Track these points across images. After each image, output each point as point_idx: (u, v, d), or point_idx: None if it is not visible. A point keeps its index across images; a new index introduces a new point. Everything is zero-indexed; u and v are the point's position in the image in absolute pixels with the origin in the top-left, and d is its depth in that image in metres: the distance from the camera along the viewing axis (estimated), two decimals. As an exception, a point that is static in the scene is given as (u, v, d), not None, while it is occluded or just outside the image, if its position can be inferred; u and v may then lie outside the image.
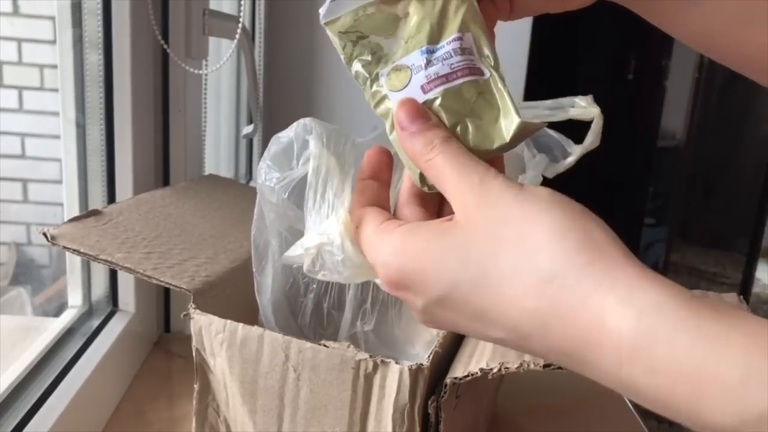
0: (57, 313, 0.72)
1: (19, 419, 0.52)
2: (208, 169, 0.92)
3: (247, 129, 1.18)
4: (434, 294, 0.30)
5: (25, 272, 1.25)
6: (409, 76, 0.34)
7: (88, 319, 0.70)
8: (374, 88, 0.35)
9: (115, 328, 0.69)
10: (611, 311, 0.26)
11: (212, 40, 0.85)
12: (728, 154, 2.54)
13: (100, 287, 0.72)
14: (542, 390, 0.70)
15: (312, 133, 0.45)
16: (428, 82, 0.34)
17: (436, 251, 0.30)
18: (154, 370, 0.73)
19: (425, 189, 0.34)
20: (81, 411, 0.57)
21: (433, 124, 0.33)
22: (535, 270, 0.28)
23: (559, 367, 0.37)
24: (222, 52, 0.99)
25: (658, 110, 2.36)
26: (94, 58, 0.69)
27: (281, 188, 0.47)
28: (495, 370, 0.38)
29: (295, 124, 0.46)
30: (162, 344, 0.79)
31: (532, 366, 0.38)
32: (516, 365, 0.38)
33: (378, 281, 0.38)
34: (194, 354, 0.47)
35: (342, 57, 0.36)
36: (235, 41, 0.81)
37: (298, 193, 0.47)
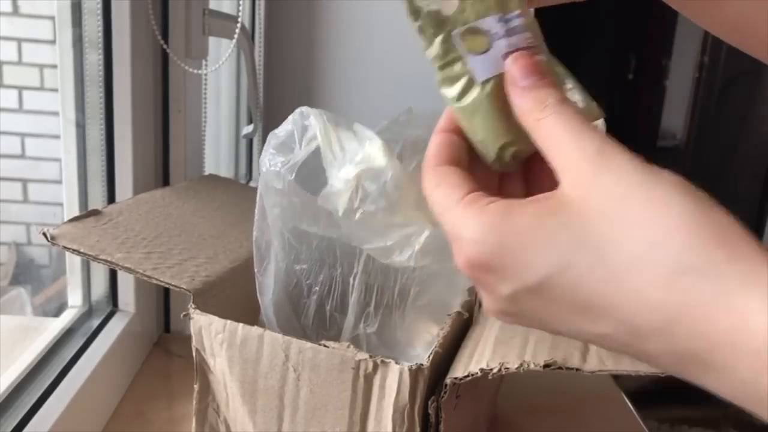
0: (57, 313, 0.72)
1: (19, 419, 0.52)
2: (208, 169, 0.92)
3: (247, 129, 1.18)
4: (532, 279, 0.27)
5: (25, 272, 1.25)
6: (489, 41, 0.32)
7: (88, 319, 0.70)
8: (444, 46, 0.33)
9: (115, 328, 0.69)
10: (755, 313, 0.23)
11: (212, 40, 0.85)
12: (728, 154, 2.54)
13: (100, 287, 0.72)
14: (542, 390, 0.70)
15: (310, 117, 0.44)
16: (510, 52, 0.32)
17: (546, 229, 0.27)
18: (154, 370, 0.73)
19: (496, 166, 0.32)
20: (81, 411, 0.57)
21: (549, 83, 0.30)
22: (666, 260, 0.24)
23: (559, 367, 0.37)
24: (222, 52, 0.99)
25: (658, 110, 2.36)
26: (94, 58, 0.69)
27: (287, 170, 0.46)
28: (495, 371, 0.38)
29: (290, 116, 0.46)
30: (162, 344, 0.79)
31: (532, 366, 0.38)
32: (516, 365, 0.38)
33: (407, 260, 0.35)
34: (194, 354, 0.47)
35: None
36: (234, 41, 0.81)
37: (303, 178, 0.46)
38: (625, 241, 0.25)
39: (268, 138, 0.47)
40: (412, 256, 0.39)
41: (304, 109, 0.45)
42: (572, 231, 0.26)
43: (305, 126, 0.45)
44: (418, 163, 0.53)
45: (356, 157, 0.39)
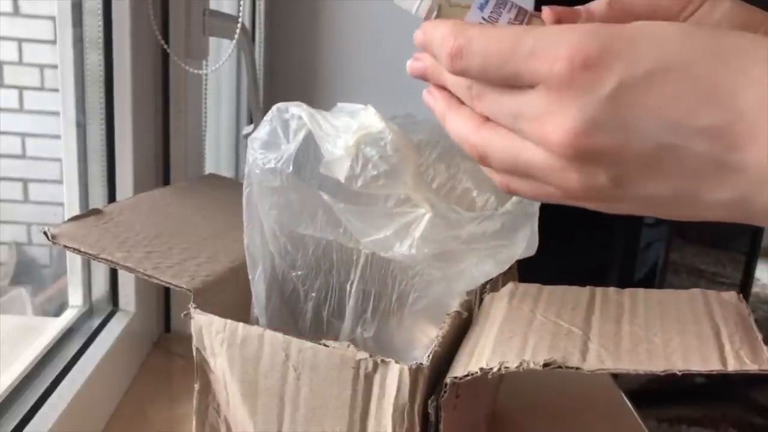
0: (57, 312, 0.72)
1: (19, 419, 0.52)
2: (208, 169, 0.92)
3: (247, 129, 1.18)
4: (641, 67, 0.26)
5: (25, 272, 1.25)
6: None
7: (88, 318, 0.70)
8: None
9: (116, 328, 0.69)
10: None
11: (212, 40, 0.85)
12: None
13: (100, 287, 0.72)
14: (542, 389, 0.70)
15: (289, 110, 0.44)
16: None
17: (654, 27, 0.27)
18: (155, 370, 0.73)
19: None
20: (81, 411, 0.57)
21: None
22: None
23: (559, 366, 0.37)
24: (222, 52, 0.99)
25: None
26: (94, 58, 0.69)
27: (283, 164, 0.45)
28: (495, 370, 0.38)
29: (267, 115, 0.45)
30: (162, 344, 0.79)
31: (531, 365, 0.38)
32: (516, 364, 0.38)
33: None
34: (194, 354, 0.47)
35: None
36: (234, 41, 0.81)
37: (295, 173, 0.46)
38: (729, 35, 0.26)
39: (249, 142, 0.46)
40: (413, 245, 0.39)
41: (280, 105, 0.45)
42: (679, 28, 0.26)
43: (286, 120, 0.45)
44: (422, 165, 0.53)
45: (352, 127, 0.39)
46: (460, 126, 0.33)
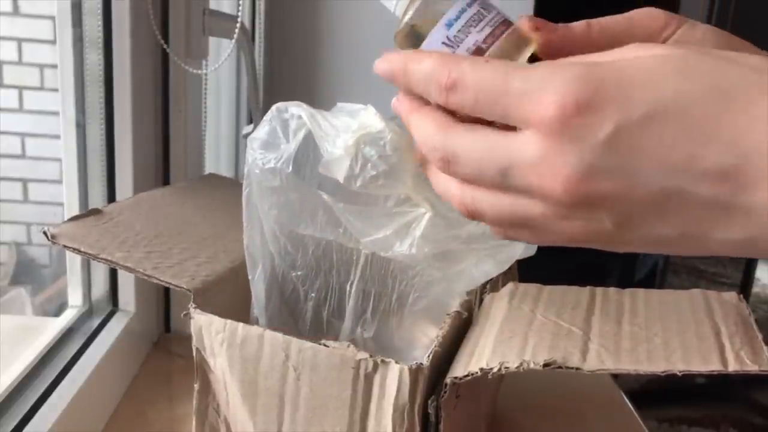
0: (57, 312, 0.72)
1: (19, 419, 0.52)
2: (208, 169, 0.92)
3: (247, 129, 1.18)
4: (639, 110, 0.24)
5: (25, 272, 1.25)
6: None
7: (88, 318, 0.70)
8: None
9: (115, 328, 0.69)
10: None
11: (212, 40, 0.85)
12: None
13: (100, 287, 0.72)
14: (542, 390, 0.70)
15: (289, 109, 0.44)
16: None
17: (649, 64, 0.25)
18: (154, 370, 0.73)
19: None
20: (81, 411, 0.57)
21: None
22: None
23: (559, 367, 0.37)
24: (222, 52, 0.99)
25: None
26: (94, 58, 0.69)
27: (283, 164, 0.45)
28: (495, 370, 0.38)
29: (267, 114, 0.45)
30: (162, 344, 0.79)
31: (531, 365, 0.38)
32: (516, 365, 0.38)
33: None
34: (194, 354, 0.47)
35: None
36: (233, 41, 0.81)
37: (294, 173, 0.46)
38: (728, 64, 0.25)
39: (248, 142, 0.46)
40: (413, 244, 0.39)
41: (280, 104, 0.45)
42: (676, 64, 0.25)
43: (285, 120, 0.45)
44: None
45: (352, 126, 0.39)
46: (444, 183, 0.31)
